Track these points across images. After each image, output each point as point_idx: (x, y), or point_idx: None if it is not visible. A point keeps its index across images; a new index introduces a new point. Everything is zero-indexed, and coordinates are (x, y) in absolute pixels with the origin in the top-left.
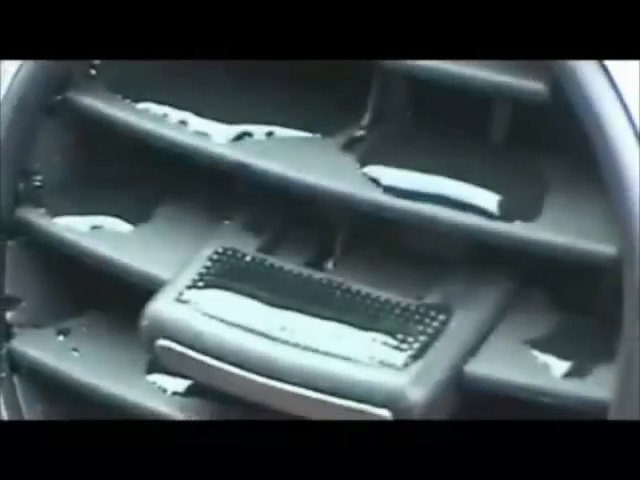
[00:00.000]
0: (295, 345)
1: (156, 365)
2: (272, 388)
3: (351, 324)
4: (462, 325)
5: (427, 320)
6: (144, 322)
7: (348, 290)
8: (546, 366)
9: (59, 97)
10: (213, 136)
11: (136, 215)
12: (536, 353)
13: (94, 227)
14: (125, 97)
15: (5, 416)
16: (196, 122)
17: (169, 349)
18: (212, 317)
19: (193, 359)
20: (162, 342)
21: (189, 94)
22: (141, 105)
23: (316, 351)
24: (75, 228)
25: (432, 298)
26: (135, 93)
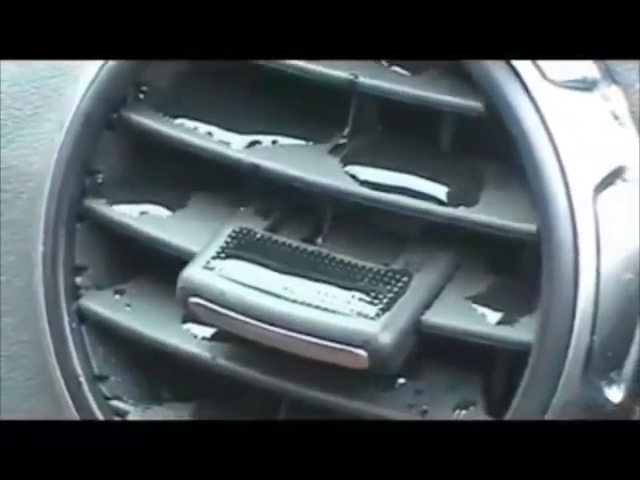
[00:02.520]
0: (294, 301)
1: (189, 317)
2: (277, 333)
3: (336, 285)
4: (419, 285)
5: (393, 282)
6: (179, 284)
7: (333, 259)
8: (483, 316)
9: (116, 114)
10: (232, 144)
11: (173, 204)
12: (476, 306)
13: (142, 213)
14: (165, 115)
15: (74, 357)
16: (219, 133)
17: (199, 305)
18: (231, 280)
19: (217, 312)
20: (193, 299)
21: (214, 111)
22: (177, 121)
23: (310, 305)
24: (128, 214)
25: (397, 265)
26: (173, 111)
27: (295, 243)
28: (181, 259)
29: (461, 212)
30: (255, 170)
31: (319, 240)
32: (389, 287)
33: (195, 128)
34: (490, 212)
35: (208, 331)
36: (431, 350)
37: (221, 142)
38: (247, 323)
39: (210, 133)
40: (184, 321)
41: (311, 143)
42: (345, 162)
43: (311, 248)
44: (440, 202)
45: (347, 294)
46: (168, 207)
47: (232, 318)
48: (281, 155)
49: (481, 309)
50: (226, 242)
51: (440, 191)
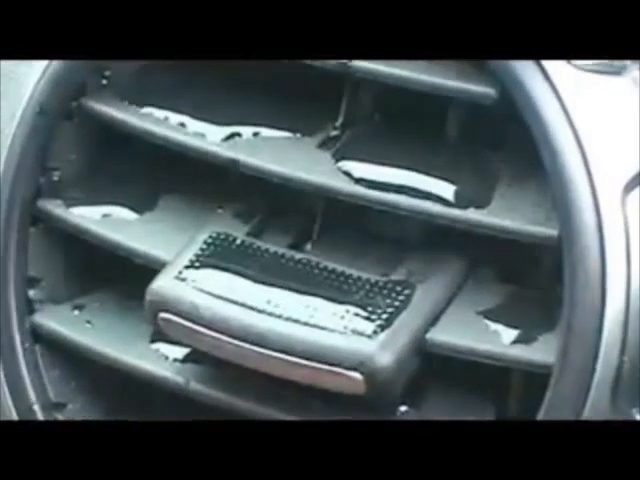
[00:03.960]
0: (278, 316)
1: (158, 335)
2: (258, 353)
3: (327, 298)
4: (423, 298)
5: (393, 294)
6: (148, 298)
7: (324, 268)
8: (496, 333)
9: (75, 103)
10: (208, 136)
11: (141, 205)
12: (487, 322)
13: (104, 215)
14: (131, 103)
15: (27, 381)
16: (193, 124)
17: (170, 321)
18: (207, 293)
19: (191, 330)
20: (163, 315)
21: (187, 100)
22: (145, 110)
23: (296, 321)
24: (88, 216)
25: (397, 275)
26: (140, 99)
27: (280, 250)
28: (150, 268)
29: (471, 214)
30: (234, 166)
31: (307, 246)
32: (388, 300)
33: (165, 118)
34: (504, 214)
35: (181, 351)
36: (437, 373)
37: (195, 134)
38: (225, 342)
39: (183, 124)
40: (153, 340)
41: (298, 135)
42: (337, 157)
43: (298, 256)
44: (446, 202)
45: (340, 309)
46: (135, 209)
47: (208, 336)
48: (264, 149)
49: (494, 325)
50: (201, 249)
51: (446, 190)
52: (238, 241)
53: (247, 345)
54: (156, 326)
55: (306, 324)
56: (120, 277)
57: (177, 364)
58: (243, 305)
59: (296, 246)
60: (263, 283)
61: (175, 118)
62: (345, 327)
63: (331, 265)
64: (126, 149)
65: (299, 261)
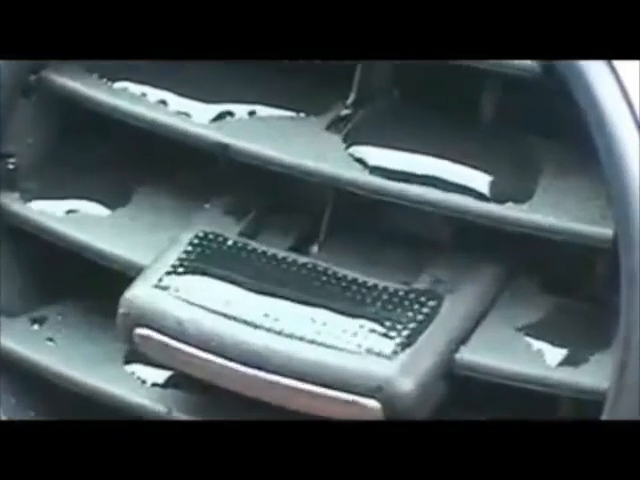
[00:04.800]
0: (279, 333)
1: (134, 355)
2: (254, 377)
3: (337, 311)
4: (452, 311)
5: (416, 306)
6: (122, 310)
7: (333, 275)
8: (540, 354)
9: (34, 77)
10: (193, 116)
11: (113, 198)
12: (529, 340)
13: (70, 211)
14: (102, 76)
15: None
16: (175, 101)
17: (148, 338)
18: (193, 304)
19: (173, 348)
20: (141, 331)
21: (168, 72)
22: (118, 84)
23: (301, 339)
24: (50, 212)
25: (421, 283)
26: (112, 72)
27: (280, 253)
28: (123, 275)
29: (508, 210)
30: (224, 152)
31: (313, 249)
32: (410, 314)
33: (143, 95)
34: (548, 210)
35: (161, 374)
36: (468, 400)
37: (178, 113)
38: (214, 363)
39: (163, 101)
40: (128, 361)
41: (302, 115)
42: (349, 141)
43: (302, 260)
44: (479, 196)
45: (352, 323)
46: (105, 203)
47: (194, 356)
48: (260, 132)
49: (536, 344)
50: (186, 252)
51: (479, 181)
52: (229, 242)
53: (240, 367)
54: (131, 344)
55: (312, 342)
56: (87, 285)
57: (157, 389)
58: (236, 319)
59: (299, 248)
60: (260, 293)
61: (154, 94)
62: (359, 346)
63: (341, 271)
64: (95, 132)
65: (303, 266)
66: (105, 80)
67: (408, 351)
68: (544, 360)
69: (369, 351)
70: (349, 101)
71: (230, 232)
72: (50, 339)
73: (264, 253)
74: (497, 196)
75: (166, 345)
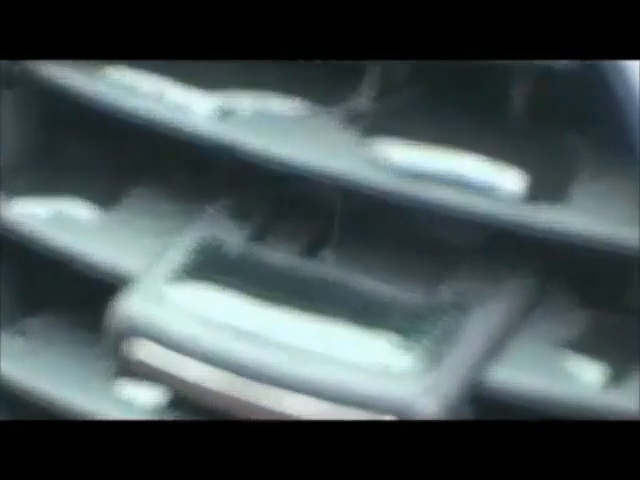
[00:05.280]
0: (289, 348)
1: (124, 372)
2: (264, 395)
3: (352, 324)
4: (479, 327)
5: (439, 320)
6: (113, 322)
7: (348, 285)
8: (576, 372)
9: (17, 67)
10: (193, 108)
11: (103, 199)
12: (564, 357)
13: (54, 213)
14: (91, 64)
15: None
16: (173, 92)
17: (142, 353)
18: (193, 317)
19: (171, 365)
20: (134, 345)
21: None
22: (109, 73)
23: (313, 355)
24: (33, 213)
25: (444, 294)
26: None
27: (289, 261)
28: (114, 284)
29: (542, 214)
30: (228, 148)
31: (325, 255)
32: (432, 328)
33: (136, 85)
34: (585, 214)
35: (154, 394)
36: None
37: (176, 106)
38: (215, 382)
39: (159, 92)
40: (117, 378)
41: (315, 108)
42: (366, 137)
43: (314, 269)
44: (510, 198)
45: (369, 338)
46: (94, 205)
47: (192, 373)
48: (268, 127)
49: (572, 361)
50: (185, 259)
51: (510, 182)
52: (233, 248)
53: (245, 386)
54: (122, 360)
55: (325, 358)
56: (74, 295)
57: (149, 410)
58: (241, 333)
59: (310, 255)
60: (268, 305)
61: (149, 85)
62: (375, 363)
63: (355, 280)
64: (83, 126)
65: (314, 276)
66: (95, 69)
67: (430, 369)
68: (584, 380)
69: (386, 368)
70: (367, 93)
71: (234, 237)
72: (31, 354)
73: (272, 261)
74: (529, 198)
75: (163, 362)
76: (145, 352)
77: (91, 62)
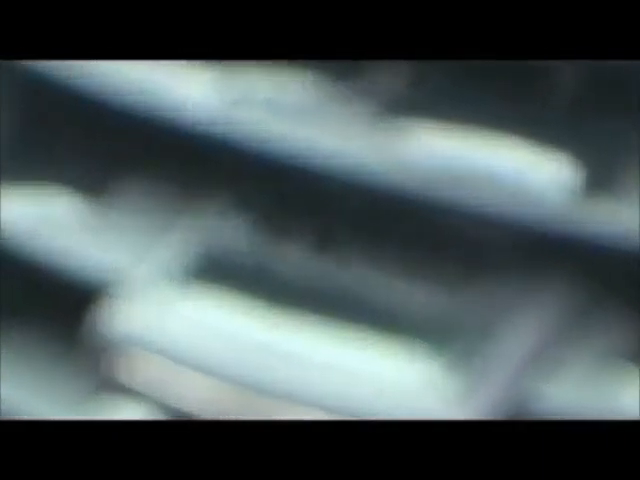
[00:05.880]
0: (299, 361)
1: (108, 387)
2: (271, 419)
3: (371, 337)
4: (517, 340)
5: (468, 334)
6: (98, 330)
7: (366, 294)
8: (630, 391)
9: None
10: (189, 94)
11: (87, 195)
12: (616, 374)
13: (31, 206)
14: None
15: None
16: (162, 76)
17: (132, 363)
18: (193, 325)
19: (163, 379)
20: (123, 354)
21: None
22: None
23: (331, 368)
24: (5, 209)
25: (475, 305)
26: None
27: (298, 264)
28: (96, 289)
29: (587, 211)
30: (228, 140)
31: (340, 260)
32: (462, 343)
33: (123, 70)
34: (635, 211)
35: (144, 409)
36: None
37: (167, 93)
38: (217, 397)
39: (150, 74)
40: (99, 394)
41: (329, 88)
42: (386, 126)
43: (326, 270)
44: (552, 194)
45: (392, 352)
46: (77, 201)
47: (191, 388)
48: (275, 114)
49: (625, 379)
50: (179, 260)
51: (553, 175)
52: (236, 251)
53: (255, 403)
54: (108, 372)
55: (344, 372)
56: (50, 300)
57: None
58: (247, 344)
59: (320, 257)
60: (276, 313)
61: (137, 67)
62: (400, 380)
63: (376, 288)
64: (66, 116)
65: (327, 278)
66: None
67: (463, 387)
68: (637, 400)
69: (415, 386)
70: (390, 79)
71: (236, 239)
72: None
73: (280, 266)
74: (573, 193)
75: (157, 372)
76: (135, 362)
77: (90, 62)
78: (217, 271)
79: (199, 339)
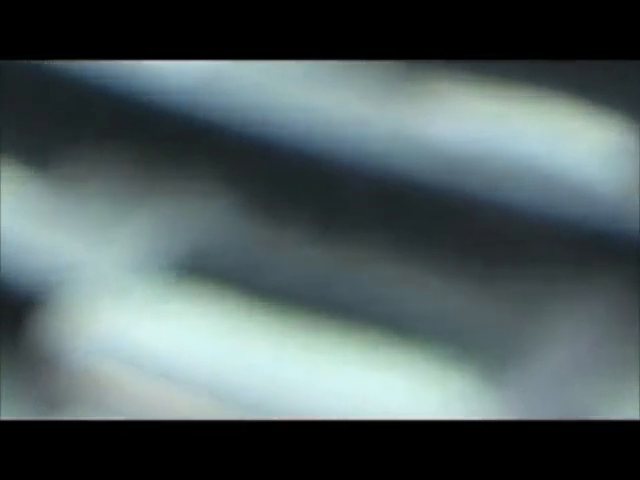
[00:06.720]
0: (300, 376)
1: (75, 395)
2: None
3: (386, 347)
4: (552, 347)
5: (498, 339)
6: (43, 339)
7: (380, 295)
8: None
9: None
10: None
11: (34, 169)
12: None
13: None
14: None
15: None
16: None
17: (102, 379)
18: (175, 336)
19: (143, 392)
20: (95, 368)
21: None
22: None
23: (345, 377)
24: None
25: (504, 308)
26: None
27: (300, 262)
28: (41, 292)
29: (631, 205)
30: (214, 120)
31: (342, 253)
32: (491, 350)
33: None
34: None
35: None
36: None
37: (146, 67)
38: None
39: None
40: (64, 407)
41: (335, 63)
42: (399, 108)
43: (328, 269)
44: (593, 191)
45: (408, 361)
46: (21, 175)
47: (172, 405)
48: (267, 91)
49: None
50: (166, 261)
51: (593, 170)
52: (226, 245)
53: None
54: (70, 382)
55: (339, 372)
56: (9, 310)
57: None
58: (237, 357)
59: (323, 253)
60: (271, 310)
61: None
62: (417, 397)
63: (390, 288)
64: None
65: (330, 278)
66: None
67: (495, 399)
68: None
69: (442, 402)
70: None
71: (226, 234)
72: None
73: (278, 269)
74: (617, 189)
75: (133, 389)
76: (106, 378)
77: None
78: (209, 268)
79: (177, 348)
